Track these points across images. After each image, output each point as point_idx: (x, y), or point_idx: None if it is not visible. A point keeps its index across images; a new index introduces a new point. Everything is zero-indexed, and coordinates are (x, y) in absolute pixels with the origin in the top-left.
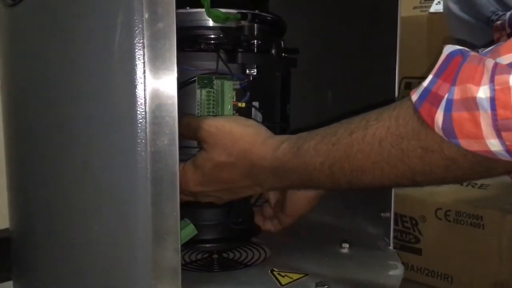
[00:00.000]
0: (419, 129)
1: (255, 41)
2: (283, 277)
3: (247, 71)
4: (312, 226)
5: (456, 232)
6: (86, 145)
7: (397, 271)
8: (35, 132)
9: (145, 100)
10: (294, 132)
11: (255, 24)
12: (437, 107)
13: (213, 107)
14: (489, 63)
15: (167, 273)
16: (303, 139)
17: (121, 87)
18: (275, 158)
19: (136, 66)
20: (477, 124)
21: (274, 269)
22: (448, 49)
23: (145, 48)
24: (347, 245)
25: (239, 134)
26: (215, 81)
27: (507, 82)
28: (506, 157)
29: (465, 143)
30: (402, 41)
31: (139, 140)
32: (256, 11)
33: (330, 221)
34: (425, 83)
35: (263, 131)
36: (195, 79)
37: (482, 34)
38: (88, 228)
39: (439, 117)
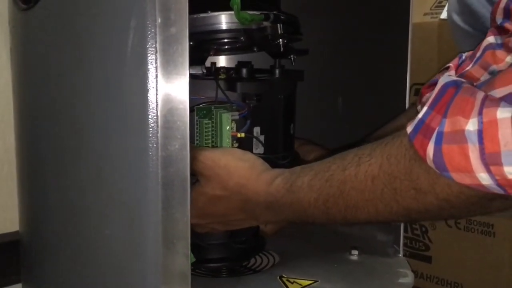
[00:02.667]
0: (411, 168)
1: (281, 40)
2: (292, 283)
3: (247, 101)
4: (321, 233)
5: (466, 240)
6: (98, 149)
7: (407, 279)
8: (47, 136)
9: (157, 105)
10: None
11: (279, 24)
12: (429, 139)
13: (213, 137)
14: (480, 95)
15: (177, 278)
16: (296, 174)
17: (133, 92)
18: (269, 194)
19: (149, 70)
20: (466, 157)
21: (283, 275)
22: (444, 79)
23: (158, 53)
24: (356, 252)
25: (234, 168)
26: (214, 111)
27: (495, 115)
28: (497, 189)
29: (456, 177)
30: (413, 47)
31: (150, 145)
32: (275, 12)
33: (339, 228)
34: (420, 115)
35: (258, 164)
36: (192, 108)
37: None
38: (98, 232)
39: (430, 149)
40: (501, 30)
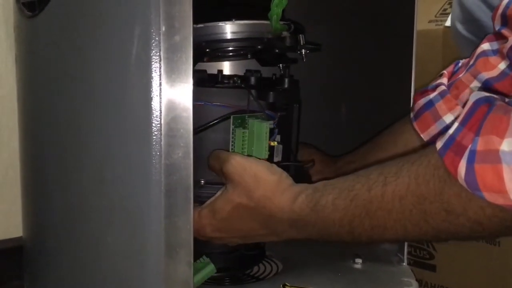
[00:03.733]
0: (441, 190)
1: (303, 50)
2: None
3: (278, 111)
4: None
5: (471, 249)
6: (101, 156)
7: None
8: (50, 143)
9: (160, 113)
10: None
11: (301, 35)
12: (461, 157)
13: (247, 147)
14: None
15: (179, 287)
16: (320, 192)
17: (137, 99)
18: (293, 211)
19: (152, 78)
20: (500, 177)
21: (286, 283)
22: (475, 96)
23: (162, 61)
24: (360, 260)
25: (263, 179)
26: (248, 121)
27: None
28: None
29: (489, 197)
30: (417, 54)
31: (154, 153)
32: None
33: None
34: (451, 131)
35: (285, 178)
36: (224, 117)
37: None
38: (101, 239)
39: (462, 168)
40: (498, 36)
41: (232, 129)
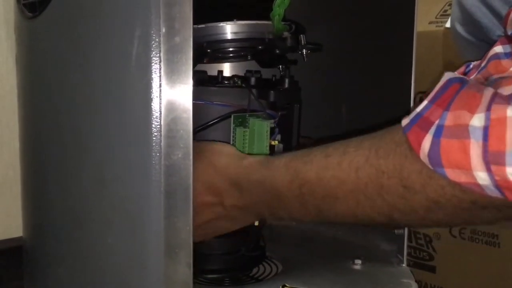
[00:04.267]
0: (401, 165)
1: (304, 51)
2: None
3: (279, 110)
4: (324, 242)
5: (471, 250)
6: (101, 157)
7: None
8: (50, 143)
9: (160, 114)
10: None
11: (301, 35)
12: (427, 132)
13: (248, 146)
14: (488, 91)
15: (179, 287)
16: (274, 156)
17: (137, 100)
18: (239, 167)
19: (153, 79)
20: (466, 153)
21: (286, 284)
22: (448, 75)
23: (162, 62)
24: (359, 262)
25: (213, 147)
26: (249, 120)
27: (504, 113)
28: (494, 192)
29: (451, 173)
30: (418, 55)
31: (153, 154)
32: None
33: (342, 237)
34: (418, 109)
35: (239, 152)
36: (224, 116)
37: None
38: (101, 240)
39: (426, 142)
40: (511, 40)
41: (233, 128)
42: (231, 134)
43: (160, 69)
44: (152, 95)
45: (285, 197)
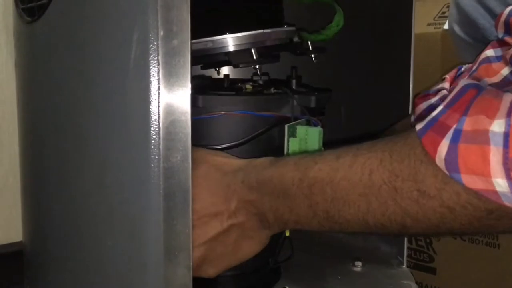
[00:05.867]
0: (416, 169)
1: (313, 55)
2: None
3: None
4: (324, 244)
5: (471, 252)
6: (100, 160)
7: None
8: (49, 147)
9: (159, 116)
10: None
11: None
12: (443, 136)
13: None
14: (508, 97)
15: None
16: (283, 157)
17: (136, 103)
18: (248, 166)
19: (151, 82)
20: (485, 159)
21: (286, 286)
22: (464, 81)
23: (160, 65)
24: (360, 263)
25: (217, 154)
26: (298, 129)
27: None
28: (511, 200)
29: (467, 179)
30: (416, 57)
31: (152, 156)
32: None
33: (343, 239)
34: (434, 113)
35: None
36: (278, 126)
37: None
38: (100, 243)
39: (443, 147)
40: (502, 43)
41: (287, 139)
42: (286, 146)
43: (158, 72)
44: (151, 98)
45: (293, 196)
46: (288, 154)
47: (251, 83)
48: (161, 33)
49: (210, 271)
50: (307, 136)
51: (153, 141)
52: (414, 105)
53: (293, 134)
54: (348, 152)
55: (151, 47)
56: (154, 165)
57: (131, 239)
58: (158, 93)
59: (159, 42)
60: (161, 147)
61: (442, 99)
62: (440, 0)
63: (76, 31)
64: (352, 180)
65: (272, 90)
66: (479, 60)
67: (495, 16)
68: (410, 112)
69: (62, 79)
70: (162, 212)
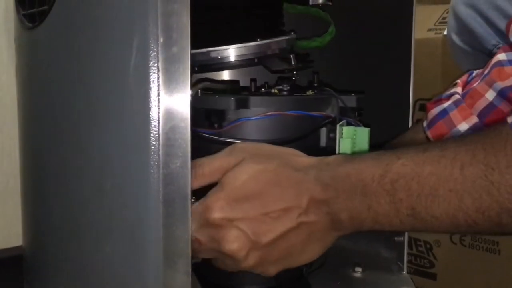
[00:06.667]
0: None
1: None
2: None
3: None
4: None
5: (471, 257)
6: (100, 166)
7: None
8: (49, 153)
9: (158, 123)
10: None
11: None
12: None
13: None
14: None
15: None
16: (357, 155)
17: (136, 110)
18: (321, 163)
19: (151, 89)
20: None
21: None
22: None
23: (160, 72)
24: (360, 269)
25: (281, 148)
26: (345, 129)
27: None
28: None
29: None
30: (417, 63)
31: (152, 162)
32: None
33: (343, 244)
34: None
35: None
36: (319, 126)
37: (484, 65)
38: (99, 249)
39: None
40: None
41: (339, 140)
42: (337, 147)
43: (158, 78)
44: (151, 104)
45: (373, 194)
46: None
47: (276, 88)
48: (161, 39)
49: (271, 270)
50: (356, 136)
51: (152, 147)
52: (426, 110)
53: (341, 134)
54: (434, 147)
55: (151, 53)
56: (153, 171)
57: (130, 245)
58: (158, 99)
59: (159, 48)
60: (160, 153)
61: (456, 104)
62: (440, 6)
63: (77, 37)
64: (442, 175)
65: (310, 92)
66: (491, 64)
67: (492, 25)
68: (410, 117)
69: (62, 84)
70: (161, 218)
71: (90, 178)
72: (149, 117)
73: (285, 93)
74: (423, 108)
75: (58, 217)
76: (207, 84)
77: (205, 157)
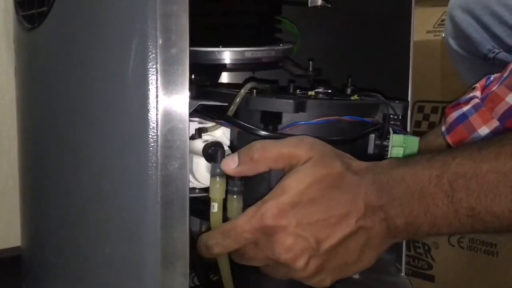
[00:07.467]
0: None
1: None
2: None
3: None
4: None
5: (469, 259)
6: (98, 167)
7: None
8: (48, 154)
9: (157, 124)
10: None
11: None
12: None
13: None
14: None
15: None
16: (410, 157)
17: (134, 111)
18: (375, 166)
19: (149, 90)
20: None
21: None
22: None
23: (158, 73)
24: None
25: (339, 150)
26: (394, 137)
27: None
28: None
29: None
30: (416, 65)
31: (150, 164)
32: None
33: None
34: None
35: None
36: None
37: (480, 70)
38: (98, 250)
39: None
40: None
41: (390, 147)
42: (389, 153)
43: (156, 80)
44: (149, 106)
45: (431, 195)
46: None
47: (314, 91)
48: (160, 41)
49: (328, 280)
50: (405, 144)
51: (151, 148)
52: (445, 115)
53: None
54: (490, 144)
55: (150, 55)
56: (152, 173)
57: (129, 246)
58: (157, 101)
59: (158, 50)
60: (159, 154)
61: (475, 108)
62: (439, 8)
63: (76, 38)
64: (502, 172)
65: (356, 96)
66: (510, 68)
67: (488, 30)
68: (408, 119)
69: (61, 85)
70: (159, 219)
71: (88, 179)
72: (148, 119)
73: (321, 96)
74: (422, 110)
75: (56, 218)
76: (254, 84)
77: (267, 141)
